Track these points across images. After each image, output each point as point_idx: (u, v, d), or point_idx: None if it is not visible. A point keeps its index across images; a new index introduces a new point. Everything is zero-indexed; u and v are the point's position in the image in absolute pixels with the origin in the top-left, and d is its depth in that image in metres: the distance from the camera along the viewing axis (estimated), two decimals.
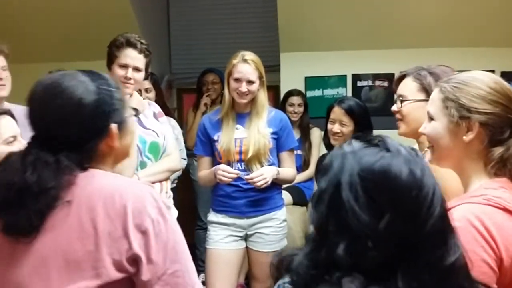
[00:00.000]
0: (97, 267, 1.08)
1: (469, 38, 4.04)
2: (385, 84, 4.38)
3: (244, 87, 2.52)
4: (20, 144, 1.63)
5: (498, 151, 1.24)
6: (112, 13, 3.91)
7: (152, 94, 3.47)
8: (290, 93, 4.01)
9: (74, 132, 1.15)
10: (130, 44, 2.31)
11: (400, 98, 1.82)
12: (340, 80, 4.47)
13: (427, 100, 1.44)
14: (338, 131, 2.75)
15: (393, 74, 4.31)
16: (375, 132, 2.84)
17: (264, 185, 2.48)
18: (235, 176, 2.50)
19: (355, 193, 0.88)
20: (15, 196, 1.09)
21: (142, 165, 2.36)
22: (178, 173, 3.40)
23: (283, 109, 3.76)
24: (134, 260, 1.10)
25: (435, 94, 1.33)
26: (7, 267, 1.14)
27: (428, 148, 1.41)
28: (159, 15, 5.16)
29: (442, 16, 3.98)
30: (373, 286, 0.85)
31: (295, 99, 3.95)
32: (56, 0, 3.91)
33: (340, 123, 2.75)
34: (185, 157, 3.64)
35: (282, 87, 4.39)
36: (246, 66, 2.53)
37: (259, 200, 2.59)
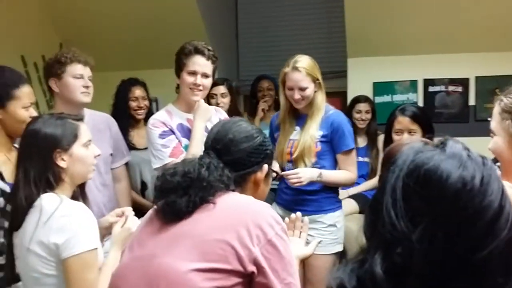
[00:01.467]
0: (223, 254, 1.27)
1: None
2: (459, 89, 4.21)
3: (297, 95, 2.56)
4: (93, 147, 1.72)
5: None
6: (181, 22, 4.03)
7: (227, 99, 3.54)
8: (357, 100, 3.93)
9: (242, 154, 1.49)
10: (198, 51, 2.38)
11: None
12: (411, 86, 4.34)
13: None
14: (408, 141, 2.64)
15: (467, 79, 4.15)
16: None
17: (298, 185, 2.51)
18: (278, 174, 2.56)
19: (395, 197, 0.81)
20: (187, 183, 1.36)
21: None
22: None
23: (350, 115, 3.71)
24: (256, 264, 1.28)
25: (495, 108, 1.29)
26: (152, 237, 1.38)
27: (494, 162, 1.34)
28: (228, 23, 5.25)
29: None
30: None
31: (363, 106, 3.87)
32: (127, 11, 4.08)
33: (409, 132, 2.66)
34: None
35: (349, 93, 4.33)
36: (296, 74, 2.55)
37: (303, 200, 2.64)
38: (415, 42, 4.09)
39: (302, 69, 2.55)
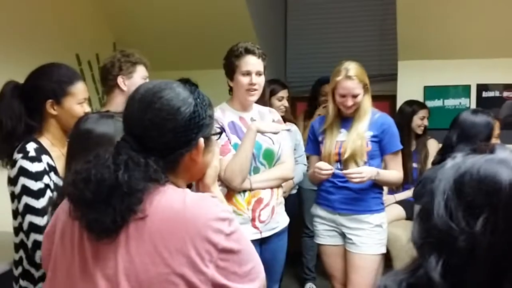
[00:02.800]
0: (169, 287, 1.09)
1: None
2: None
3: (350, 102, 2.59)
4: None
5: None
6: (232, 23, 4.06)
7: (285, 102, 3.62)
8: (422, 106, 3.96)
9: (168, 137, 1.17)
10: (248, 51, 2.41)
11: None
12: (464, 90, 4.21)
13: None
14: None
15: None
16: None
17: (359, 182, 2.51)
18: (330, 171, 2.56)
19: (446, 200, 0.83)
20: (104, 193, 1.10)
21: (255, 170, 2.43)
22: (300, 177, 3.46)
23: (410, 120, 3.82)
24: (214, 284, 1.10)
25: None
26: (87, 264, 1.15)
27: None
28: (277, 25, 5.26)
29: None
30: None
31: (426, 112, 3.92)
32: (179, 12, 4.15)
33: (497, 137, 2.58)
34: (306, 162, 3.65)
35: (399, 97, 4.25)
36: (349, 82, 2.57)
37: (351, 199, 2.64)
38: (468, 46, 3.98)
39: (355, 77, 2.57)
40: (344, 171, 2.55)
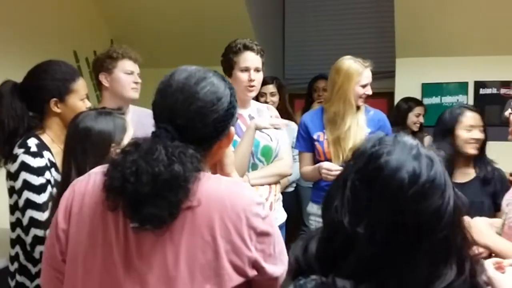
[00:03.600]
0: (220, 274, 1.10)
1: None
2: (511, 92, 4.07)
3: (370, 90, 2.65)
4: None
5: None
6: (229, 20, 4.06)
7: (276, 98, 3.58)
8: (418, 102, 3.97)
9: (210, 127, 1.17)
10: (247, 47, 2.41)
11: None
12: (461, 87, 4.22)
13: None
14: (480, 137, 2.46)
15: None
16: (499, 144, 2.64)
17: None
18: (338, 172, 2.50)
19: (343, 191, 0.89)
20: (161, 187, 1.08)
21: (254, 167, 2.43)
22: (297, 175, 3.46)
23: (405, 117, 3.84)
24: (255, 266, 1.13)
25: None
26: (132, 258, 1.13)
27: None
28: (275, 22, 5.26)
29: None
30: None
31: (421, 109, 3.93)
32: (177, 9, 4.15)
33: (479, 128, 2.48)
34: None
35: (396, 94, 4.26)
36: (367, 71, 2.65)
37: None
38: (466, 43, 3.99)
39: (370, 68, 2.65)
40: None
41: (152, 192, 1.08)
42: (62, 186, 1.69)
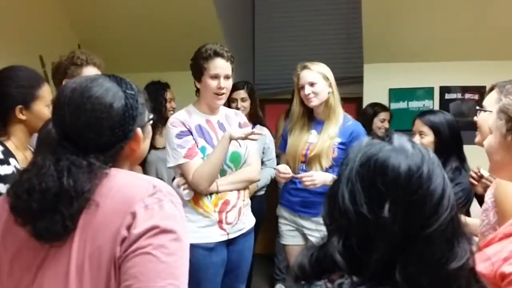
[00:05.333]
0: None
1: None
2: (475, 97, 4.17)
3: (307, 90, 2.66)
4: None
5: None
6: (198, 24, 4.05)
7: (247, 103, 3.57)
8: (383, 108, 4.00)
9: (106, 135, 1.16)
10: (217, 54, 2.39)
11: (478, 108, 1.82)
12: (427, 92, 4.31)
13: None
14: (417, 142, 2.60)
15: (484, 87, 4.09)
16: (468, 148, 2.70)
17: (311, 187, 2.56)
18: (288, 176, 2.63)
19: (351, 187, 0.91)
20: (51, 201, 1.09)
21: (222, 173, 2.42)
22: (266, 181, 3.46)
23: (371, 123, 3.86)
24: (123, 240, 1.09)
25: (495, 107, 1.31)
26: (36, 273, 1.13)
27: None
28: (245, 26, 5.27)
29: None
30: (366, 284, 0.87)
31: (386, 115, 3.97)
32: (145, 13, 4.11)
33: (419, 133, 2.66)
34: (276, 166, 3.64)
35: (365, 99, 4.32)
36: (306, 71, 2.69)
37: (310, 202, 2.69)
38: (432, 49, 4.07)
39: (313, 68, 2.68)
40: (298, 175, 2.61)
41: (43, 207, 1.09)
42: None
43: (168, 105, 3.61)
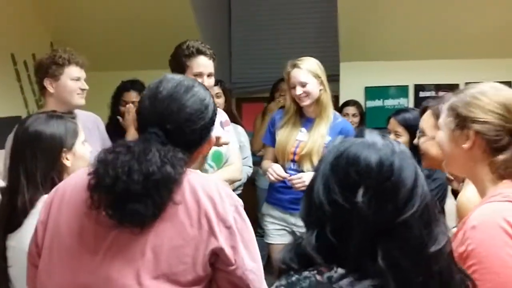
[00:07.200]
0: (195, 266, 1.15)
1: None
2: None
3: (298, 90, 2.63)
4: (87, 145, 1.74)
5: (501, 157, 1.25)
6: (174, 22, 4.00)
7: (221, 100, 3.54)
8: (346, 103, 4.03)
9: (197, 134, 1.24)
10: (200, 52, 2.34)
11: (419, 134, 1.90)
12: (402, 91, 4.37)
13: None
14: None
15: (457, 85, 4.16)
16: None
17: (302, 188, 2.54)
18: (281, 178, 2.62)
19: (326, 180, 0.94)
20: (152, 186, 1.13)
21: (204, 172, 2.40)
22: (243, 180, 3.44)
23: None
24: (219, 253, 1.17)
25: (445, 105, 1.37)
26: (104, 256, 1.17)
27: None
28: (221, 25, 5.25)
29: (510, 26, 3.81)
30: (352, 275, 0.88)
31: (351, 109, 3.96)
32: (119, 11, 4.04)
33: (395, 133, 2.69)
34: (251, 164, 3.62)
35: (341, 97, 4.34)
36: (297, 70, 2.66)
37: (300, 199, 2.64)
38: (406, 48, 4.12)
39: (303, 66, 2.64)
40: (289, 178, 2.60)
41: (142, 191, 1.12)
42: (9, 193, 1.61)
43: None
